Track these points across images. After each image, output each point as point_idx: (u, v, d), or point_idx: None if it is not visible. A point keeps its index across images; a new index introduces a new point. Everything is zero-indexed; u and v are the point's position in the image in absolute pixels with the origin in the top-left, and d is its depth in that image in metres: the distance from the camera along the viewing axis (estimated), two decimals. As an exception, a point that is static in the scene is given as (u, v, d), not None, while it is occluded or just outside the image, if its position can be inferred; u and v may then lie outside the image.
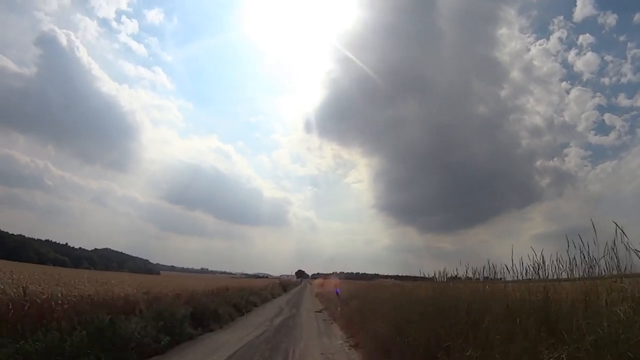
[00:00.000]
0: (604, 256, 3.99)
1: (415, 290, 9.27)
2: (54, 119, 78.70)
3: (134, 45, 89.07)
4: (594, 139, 69.74)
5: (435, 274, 8.81)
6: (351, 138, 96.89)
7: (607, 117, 66.31)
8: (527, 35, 74.31)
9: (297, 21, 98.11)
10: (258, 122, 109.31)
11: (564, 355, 3.27)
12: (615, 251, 3.82)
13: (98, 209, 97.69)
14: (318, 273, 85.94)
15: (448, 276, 8.61)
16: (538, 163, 72.52)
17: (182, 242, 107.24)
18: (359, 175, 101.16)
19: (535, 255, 4.90)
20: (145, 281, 15.37)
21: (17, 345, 5.67)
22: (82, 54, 77.62)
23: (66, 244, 66.60)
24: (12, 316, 6.19)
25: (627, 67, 63.46)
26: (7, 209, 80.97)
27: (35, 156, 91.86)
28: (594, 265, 4.09)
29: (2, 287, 6.78)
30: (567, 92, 71.20)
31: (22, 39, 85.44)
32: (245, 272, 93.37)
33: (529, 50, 71.08)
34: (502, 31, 71.37)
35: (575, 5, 76.06)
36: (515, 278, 5.65)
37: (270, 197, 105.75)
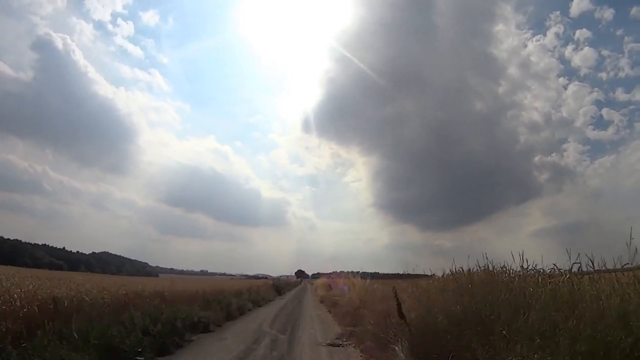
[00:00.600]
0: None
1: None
2: (52, 123, 77.60)
3: (130, 47, 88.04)
4: (592, 133, 69.69)
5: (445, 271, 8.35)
6: (350, 137, 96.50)
7: (605, 112, 66.13)
8: (524, 31, 74.04)
9: (294, 20, 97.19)
10: (256, 122, 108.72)
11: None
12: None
13: (97, 212, 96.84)
14: (318, 273, 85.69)
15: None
16: (536, 159, 72.33)
17: (181, 245, 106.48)
18: (357, 174, 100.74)
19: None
20: (116, 282, 12.98)
21: None
22: (78, 58, 76.36)
23: (63, 248, 66.05)
24: None
25: (624, 62, 63.30)
26: (5, 214, 79.85)
27: (34, 161, 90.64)
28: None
29: None
30: (565, 87, 71.07)
31: (18, 43, 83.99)
32: (245, 273, 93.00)
33: (525, 46, 70.75)
34: (499, 27, 70.99)
35: (572, 0, 75.79)
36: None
37: (269, 198, 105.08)
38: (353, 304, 13.65)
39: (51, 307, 6.79)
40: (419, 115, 74.03)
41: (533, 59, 69.81)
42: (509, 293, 5.24)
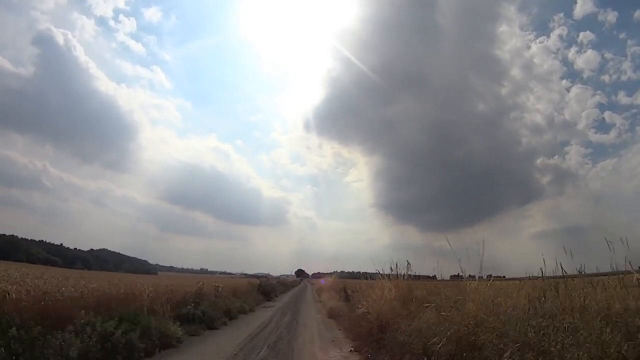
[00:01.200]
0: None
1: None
2: (52, 119, 76.89)
3: (131, 44, 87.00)
4: (594, 137, 68.97)
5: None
6: (351, 136, 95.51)
7: (608, 115, 65.54)
8: (528, 32, 73.13)
9: (296, 19, 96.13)
10: (257, 121, 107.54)
11: None
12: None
13: (96, 209, 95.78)
14: (319, 272, 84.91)
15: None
16: (538, 161, 71.52)
17: (182, 243, 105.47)
18: (358, 174, 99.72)
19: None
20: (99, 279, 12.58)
21: None
22: (80, 54, 75.45)
23: (61, 244, 65.24)
24: None
25: (627, 65, 62.65)
26: (4, 210, 78.99)
27: (34, 157, 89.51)
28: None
29: None
30: (568, 90, 70.25)
31: (18, 38, 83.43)
32: (245, 272, 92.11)
33: (529, 47, 69.87)
34: (502, 28, 70.08)
35: (576, 3, 74.82)
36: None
37: (269, 197, 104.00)
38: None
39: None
40: (421, 115, 73.29)
41: (536, 60, 69.00)
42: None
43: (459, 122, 72.56)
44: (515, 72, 71.31)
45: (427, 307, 7.07)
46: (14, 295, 6.91)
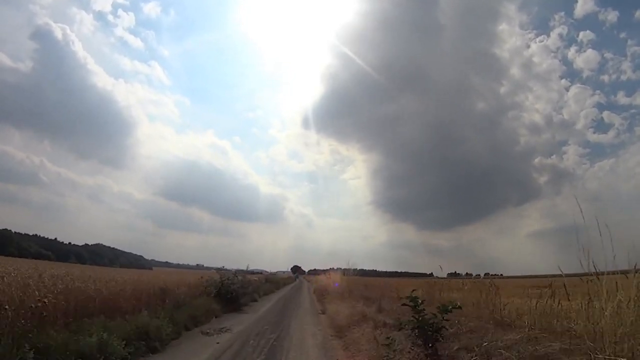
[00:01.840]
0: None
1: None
2: (50, 114, 76.33)
3: (130, 39, 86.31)
4: (592, 136, 69.52)
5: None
6: (349, 134, 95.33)
7: (606, 115, 65.93)
8: (528, 31, 73.32)
9: (295, 16, 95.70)
10: (255, 117, 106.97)
11: None
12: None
13: (93, 205, 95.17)
14: (315, 269, 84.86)
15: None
16: (536, 160, 72.10)
17: (178, 239, 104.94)
18: (356, 172, 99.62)
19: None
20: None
21: None
22: (78, 48, 74.92)
23: (55, 239, 64.59)
24: None
25: (626, 65, 63.00)
26: (1, 205, 78.15)
27: (31, 152, 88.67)
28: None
29: None
30: (567, 89, 70.70)
31: (17, 33, 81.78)
32: (241, 268, 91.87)
33: (529, 46, 70.10)
34: (503, 27, 70.29)
35: (577, 2, 75.15)
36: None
37: (267, 193, 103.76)
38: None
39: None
40: (420, 113, 73.38)
41: (536, 59, 69.31)
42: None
43: (457, 120, 72.80)
44: (515, 71, 71.66)
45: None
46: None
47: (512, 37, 70.79)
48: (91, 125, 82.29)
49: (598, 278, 3.72)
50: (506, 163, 73.94)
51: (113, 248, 77.31)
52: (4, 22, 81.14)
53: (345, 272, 21.63)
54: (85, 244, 73.40)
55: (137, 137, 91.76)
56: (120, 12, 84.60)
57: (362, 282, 21.04)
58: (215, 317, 12.26)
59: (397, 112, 74.75)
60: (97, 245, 76.41)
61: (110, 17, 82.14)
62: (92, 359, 5.57)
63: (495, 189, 72.27)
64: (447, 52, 69.40)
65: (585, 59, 66.40)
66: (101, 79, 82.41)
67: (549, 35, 71.87)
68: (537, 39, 70.03)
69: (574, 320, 4.45)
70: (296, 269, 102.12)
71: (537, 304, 5.21)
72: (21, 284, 6.21)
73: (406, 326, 5.87)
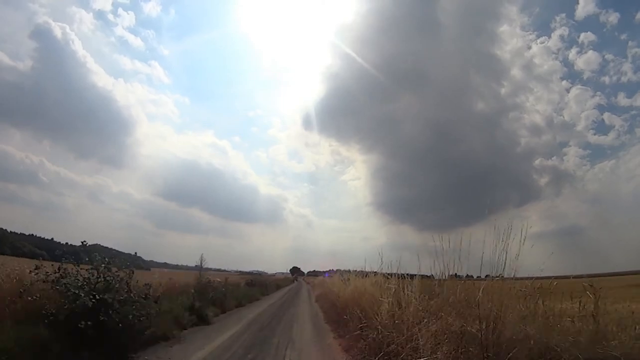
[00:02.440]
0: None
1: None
2: (50, 113, 75.39)
3: (130, 38, 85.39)
4: (593, 138, 69.27)
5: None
6: (350, 134, 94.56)
7: (607, 117, 65.90)
8: (529, 32, 73.17)
9: (295, 15, 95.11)
10: (255, 116, 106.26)
11: None
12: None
13: (92, 205, 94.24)
14: (314, 270, 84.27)
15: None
16: (537, 162, 71.71)
17: (178, 239, 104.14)
18: (356, 172, 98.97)
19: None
20: None
21: None
22: (77, 48, 73.72)
23: (52, 239, 63.76)
24: None
25: (627, 66, 62.86)
26: (1, 204, 77.49)
27: (31, 152, 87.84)
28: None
29: None
30: (568, 90, 70.40)
31: (16, 31, 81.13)
32: (240, 269, 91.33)
33: (529, 47, 69.75)
34: (504, 28, 69.95)
35: (578, 3, 75.22)
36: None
37: (266, 194, 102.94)
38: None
39: None
40: (420, 114, 72.74)
41: (537, 60, 68.78)
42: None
43: (458, 121, 72.26)
44: (516, 72, 71.12)
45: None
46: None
47: (513, 38, 70.51)
48: (91, 124, 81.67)
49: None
50: (506, 164, 73.57)
51: (111, 249, 76.43)
52: (3, 21, 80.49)
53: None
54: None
55: (137, 137, 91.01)
56: (120, 11, 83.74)
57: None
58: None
59: (397, 112, 74.27)
60: (95, 245, 75.48)
61: (110, 16, 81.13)
62: None
63: (495, 190, 71.99)
64: (448, 52, 68.98)
65: (586, 61, 66.27)
66: (101, 78, 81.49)
67: (550, 37, 71.62)
68: (538, 40, 69.71)
69: None
70: (295, 270, 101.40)
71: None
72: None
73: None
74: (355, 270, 12.91)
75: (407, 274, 8.04)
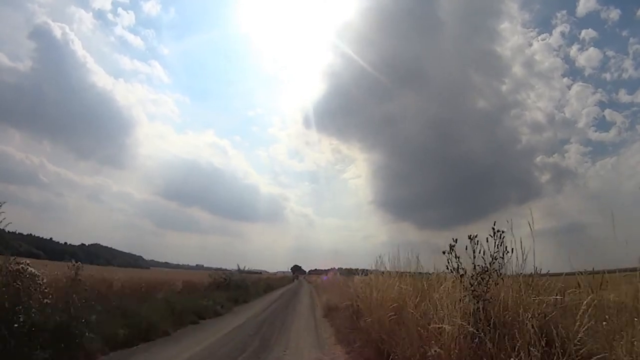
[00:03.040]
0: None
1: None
2: (49, 114, 75.61)
3: (130, 37, 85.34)
4: (594, 135, 69.15)
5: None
6: (351, 132, 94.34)
7: (608, 113, 65.79)
8: (530, 29, 73.07)
9: (296, 14, 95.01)
10: (256, 115, 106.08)
11: None
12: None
13: (92, 205, 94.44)
14: (316, 269, 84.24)
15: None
16: (538, 159, 71.67)
17: (178, 239, 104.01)
18: (357, 171, 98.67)
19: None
20: None
21: None
22: (77, 48, 73.79)
23: (50, 238, 63.88)
24: None
25: (628, 63, 62.68)
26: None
27: (31, 152, 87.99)
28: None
29: None
30: (569, 87, 70.30)
31: (15, 32, 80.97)
32: (241, 268, 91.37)
33: (530, 45, 69.52)
34: (504, 25, 69.73)
35: (578, 0, 75.26)
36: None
37: (267, 193, 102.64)
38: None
39: None
40: (421, 112, 72.63)
41: (538, 57, 68.59)
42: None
43: (458, 119, 72.15)
44: (517, 69, 70.98)
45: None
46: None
47: (514, 36, 70.27)
48: (91, 125, 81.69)
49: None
50: (507, 161, 73.48)
51: (110, 248, 76.77)
52: (2, 22, 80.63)
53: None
54: (82, 244, 72.94)
55: (137, 137, 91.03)
56: (120, 10, 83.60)
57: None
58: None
59: (398, 110, 74.02)
60: (95, 245, 75.85)
61: (110, 16, 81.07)
62: None
63: (496, 188, 71.89)
64: (449, 50, 68.76)
65: (587, 57, 66.08)
66: (101, 78, 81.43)
67: (551, 34, 71.36)
68: (539, 37, 69.58)
69: None
70: (296, 269, 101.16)
71: None
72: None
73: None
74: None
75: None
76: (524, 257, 4.64)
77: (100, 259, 62.69)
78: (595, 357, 3.30)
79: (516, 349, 3.64)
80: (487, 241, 5.06)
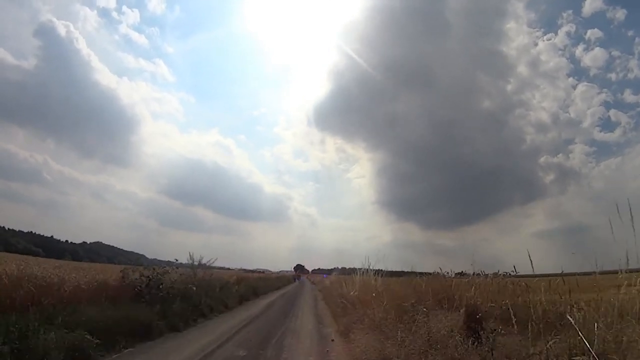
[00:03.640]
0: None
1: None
2: (53, 112, 75.87)
3: (134, 36, 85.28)
4: (599, 135, 68.54)
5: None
6: (355, 132, 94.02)
7: (613, 114, 65.21)
8: (535, 29, 72.59)
9: (301, 13, 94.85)
10: (260, 115, 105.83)
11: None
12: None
13: (96, 203, 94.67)
14: (319, 268, 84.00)
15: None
16: (542, 159, 71.12)
17: (182, 238, 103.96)
18: (361, 171, 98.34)
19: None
20: None
21: None
22: (82, 46, 74.02)
23: (51, 236, 64.08)
24: None
25: (634, 63, 62.02)
26: (3, 202, 77.79)
27: (35, 150, 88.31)
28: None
29: None
30: (574, 87, 69.73)
31: (20, 30, 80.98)
32: (244, 267, 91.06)
33: (536, 44, 69.00)
34: (510, 25, 69.25)
35: (584, 0, 74.62)
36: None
37: (271, 193, 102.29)
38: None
39: None
40: (426, 112, 72.31)
41: (543, 57, 68.09)
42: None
43: (463, 119, 71.79)
44: (522, 69, 70.52)
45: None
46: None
47: (519, 35, 69.79)
48: (95, 123, 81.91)
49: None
50: (512, 162, 72.95)
51: (112, 246, 76.88)
52: (6, 19, 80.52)
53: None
54: (84, 242, 73.03)
55: (141, 136, 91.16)
56: (124, 8, 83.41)
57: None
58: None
59: (403, 110, 73.75)
60: (96, 243, 76.00)
61: (114, 14, 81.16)
62: None
63: (500, 188, 71.39)
64: (454, 50, 68.35)
65: (592, 57, 65.50)
66: (105, 76, 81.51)
67: (556, 34, 70.80)
68: (545, 37, 69.03)
69: None
70: (299, 268, 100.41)
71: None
72: None
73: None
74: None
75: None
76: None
77: (101, 257, 62.96)
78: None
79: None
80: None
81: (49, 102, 72.69)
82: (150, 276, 11.91)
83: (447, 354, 5.33)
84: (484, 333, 5.35)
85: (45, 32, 69.34)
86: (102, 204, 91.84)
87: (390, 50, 64.74)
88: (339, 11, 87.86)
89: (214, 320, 12.81)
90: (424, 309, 7.11)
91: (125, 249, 79.00)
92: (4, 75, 68.19)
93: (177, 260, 16.96)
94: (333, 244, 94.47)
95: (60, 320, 6.83)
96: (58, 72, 74.51)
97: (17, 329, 5.86)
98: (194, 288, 13.57)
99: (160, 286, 11.89)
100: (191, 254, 16.12)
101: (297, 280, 54.47)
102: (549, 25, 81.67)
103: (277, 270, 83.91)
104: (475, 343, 5.24)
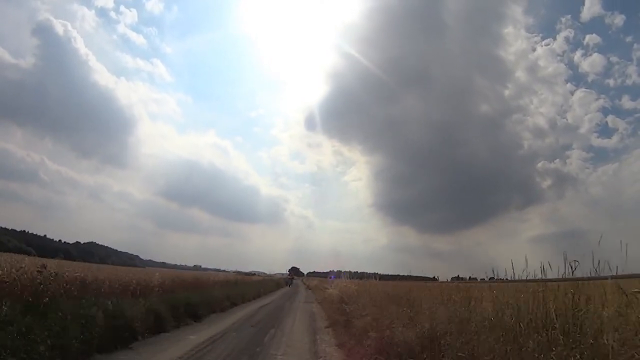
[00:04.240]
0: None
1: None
2: (51, 111, 75.44)
3: (132, 36, 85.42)
4: (596, 141, 69.26)
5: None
6: (352, 135, 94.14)
7: (611, 120, 65.70)
8: (534, 34, 73.46)
9: (299, 15, 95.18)
10: (258, 116, 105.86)
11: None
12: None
13: (93, 204, 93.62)
14: (315, 271, 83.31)
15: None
16: (539, 164, 71.56)
17: (178, 239, 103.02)
18: (358, 173, 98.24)
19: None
20: None
21: None
22: (80, 45, 73.92)
23: (44, 235, 62.75)
24: None
25: (632, 69, 62.75)
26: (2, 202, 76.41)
27: (32, 150, 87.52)
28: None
29: None
30: (572, 93, 70.42)
31: (18, 29, 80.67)
32: (239, 269, 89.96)
33: (534, 49, 69.75)
34: (508, 30, 69.99)
35: (583, 5, 75.36)
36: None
37: (267, 195, 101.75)
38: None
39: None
40: (423, 115, 72.57)
41: (541, 63, 68.87)
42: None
43: (461, 123, 72.07)
44: (520, 74, 71.19)
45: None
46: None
47: (517, 40, 70.54)
48: (92, 123, 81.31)
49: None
50: (509, 166, 73.44)
51: (106, 247, 75.69)
52: (5, 18, 79.91)
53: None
54: (77, 242, 71.69)
55: (139, 136, 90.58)
56: (122, 8, 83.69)
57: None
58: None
59: (400, 113, 74.02)
60: (90, 244, 74.68)
61: (112, 14, 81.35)
62: None
63: (497, 193, 71.60)
64: (453, 53, 68.96)
65: (590, 63, 66.15)
66: (103, 76, 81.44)
67: (555, 39, 71.89)
68: (543, 42, 69.93)
69: None
70: (294, 271, 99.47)
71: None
72: None
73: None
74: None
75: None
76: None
77: (94, 257, 61.74)
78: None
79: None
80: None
81: (46, 101, 72.46)
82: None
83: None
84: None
85: (43, 31, 69.24)
86: (99, 205, 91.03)
87: (388, 53, 64.98)
88: (337, 13, 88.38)
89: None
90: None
91: (119, 250, 77.84)
92: (2, 73, 67.73)
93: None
94: (330, 246, 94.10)
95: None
96: (56, 71, 74.46)
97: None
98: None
99: None
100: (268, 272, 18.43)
101: (289, 284, 50.31)
102: (548, 31, 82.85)
103: (273, 272, 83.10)
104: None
